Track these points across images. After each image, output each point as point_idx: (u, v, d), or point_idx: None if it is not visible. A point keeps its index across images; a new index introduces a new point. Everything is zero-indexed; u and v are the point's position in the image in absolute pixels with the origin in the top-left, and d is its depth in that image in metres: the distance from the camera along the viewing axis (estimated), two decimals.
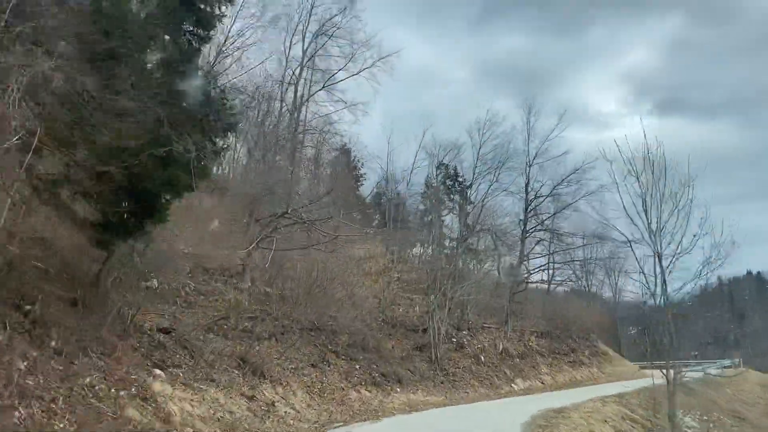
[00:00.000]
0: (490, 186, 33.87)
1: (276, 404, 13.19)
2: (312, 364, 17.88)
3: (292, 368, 16.49)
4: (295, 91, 33.10)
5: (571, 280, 38.51)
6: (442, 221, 34.16)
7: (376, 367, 20.91)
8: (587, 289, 49.80)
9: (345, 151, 45.15)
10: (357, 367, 20.04)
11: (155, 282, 17.05)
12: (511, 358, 28.62)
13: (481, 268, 32.69)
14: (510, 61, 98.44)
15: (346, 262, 25.37)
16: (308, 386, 16.03)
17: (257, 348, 15.79)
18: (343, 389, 17.52)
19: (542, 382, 28.11)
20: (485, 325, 31.18)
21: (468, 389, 24.05)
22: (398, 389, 20.42)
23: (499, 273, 35.40)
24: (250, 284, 19.54)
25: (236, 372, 13.61)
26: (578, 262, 32.11)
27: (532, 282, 34.25)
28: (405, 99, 72.29)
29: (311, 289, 19.98)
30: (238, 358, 14.40)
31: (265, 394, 13.29)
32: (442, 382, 23.62)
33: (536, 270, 33.57)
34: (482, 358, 27.15)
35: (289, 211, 17.89)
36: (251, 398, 12.65)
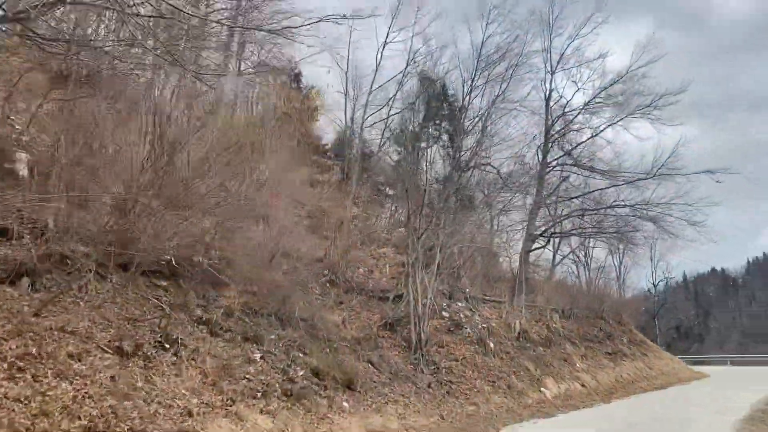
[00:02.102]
0: (494, 101, 23.26)
1: None
2: (117, 345, 7.00)
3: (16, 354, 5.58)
4: None
5: (589, 233, 27.28)
6: (425, 153, 23.41)
7: (302, 357, 10.19)
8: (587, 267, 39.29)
9: (295, 78, 33.83)
10: (257, 356, 9.29)
11: None
12: (533, 345, 18.19)
13: (477, 216, 22.16)
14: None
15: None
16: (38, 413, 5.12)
17: None
18: (192, 414, 6.66)
19: (582, 384, 17.77)
20: (487, 297, 20.72)
21: (475, 398, 13.49)
22: (346, 403, 9.71)
23: (493, 226, 24.82)
24: None
25: None
26: (635, 207, 21.30)
27: (560, 233, 23.75)
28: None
29: (161, 168, 8.96)
30: None
31: None
32: (429, 386, 13.01)
33: (563, 218, 23.11)
34: (491, 344, 16.66)
35: None
36: None
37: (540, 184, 22.70)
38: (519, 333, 17.96)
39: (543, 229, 22.89)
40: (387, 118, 24.29)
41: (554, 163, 23.07)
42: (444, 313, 17.23)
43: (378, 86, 24.28)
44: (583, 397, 16.39)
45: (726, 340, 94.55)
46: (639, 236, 22.08)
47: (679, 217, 20.53)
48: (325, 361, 10.50)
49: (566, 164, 23.03)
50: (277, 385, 8.69)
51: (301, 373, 9.60)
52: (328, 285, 15.85)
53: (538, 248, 23.30)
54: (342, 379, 10.25)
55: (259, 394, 8.06)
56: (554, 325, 20.45)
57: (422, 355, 14.14)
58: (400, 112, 24.73)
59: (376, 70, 24.63)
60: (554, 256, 31.43)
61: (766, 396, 15.30)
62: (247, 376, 8.41)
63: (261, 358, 9.32)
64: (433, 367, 14.09)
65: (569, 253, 32.35)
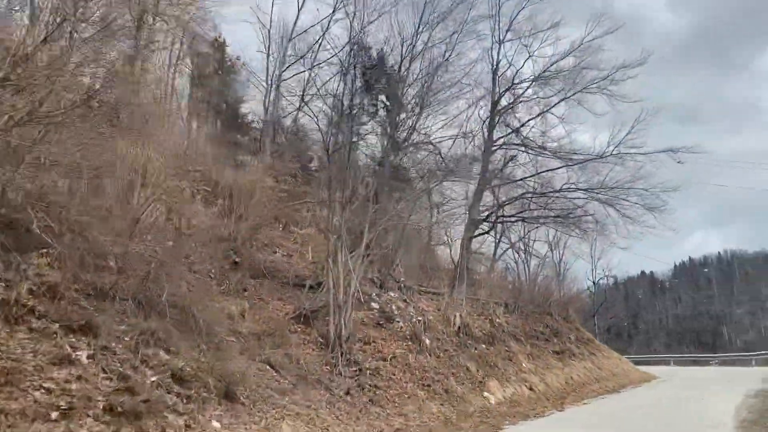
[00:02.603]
0: (437, 69, 20.77)
1: None
2: None
3: None
4: None
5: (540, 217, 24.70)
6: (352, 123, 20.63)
7: (160, 356, 7.23)
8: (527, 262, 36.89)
9: (218, 46, 30.31)
10: (82, 355, 6.31)
11: None
12: (474, 341, 15.79)
13: (414, 195, 19.64)
14: None
15: None
16: None
17: None
18: None
19: (530, 387, 15.52)
20: (424, 287, 18.25)
21: (406, 407, 10.88)
22: (217, 422, 6.83)
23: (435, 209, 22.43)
24: None
25: None
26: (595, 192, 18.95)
27: (508, 217, 21.37)
28: None
29: None
30: None
31: None
32: (348, 393, 10.29)
33: (508, 202, 20.75)
34: (426, 340, 14.13)
35: None
36: None
37: (484, 165, 20.39)
38: (459, 327, 15.53)
39: (487, 213, 20.61)
40: (311, 67, 21.32)
41: (500, 141, 20.84)
42: (373, 303, 14.59)
43: (299, 34, 21.28)
44: (532, 403, 14.08)
45: (653, 341, 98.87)
46: (591, 220, 20.03)
47: (636, 202, 18.71)
48: (197, 361, 7.59)
49: (513, 143, 20.85)
50: (101, 398, 5.73)
51: (153, 378, 6.66)
52: (230, 268, 12.91)
53: (482, 234, 21.02)
54: (218, 387, 7.36)
55: (54, 414, 5.07)
56: (498, 320, 18.18)
57: (342, 353, 11.44)
58: (323, 63, 21.72)
59: (298, 15, 21.73)
60: (495, 250, 29.45)
61: (741, 401, 13.48)
62: (45, 385, 5.40)
63: (89, 357, 6.33)
64: (354, 369, 11.39)
65: (510, 247, 30.54)
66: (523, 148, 20.47)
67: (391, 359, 12.56)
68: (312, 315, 12.51)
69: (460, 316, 15.66)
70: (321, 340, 11.91)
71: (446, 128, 22.72)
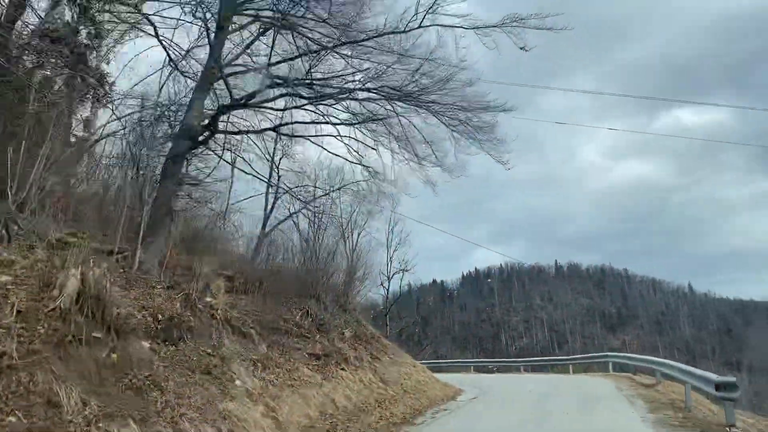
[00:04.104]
0: None
1: None
2: None
3: None
4: None
5: None
6: None
7: None
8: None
9: None
10: None
11: None
12: (121, 335, 6.94)
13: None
14: None
15: None
16: None
17: None
18: None
19: None
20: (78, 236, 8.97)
21: None
22: None
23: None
24: None
25: None
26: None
27: (238, 110, 12.28)
28: None
29: None
30: None
31: None
32: None
33: (253, 103, 11.80)
34: None
35: None
36: None
37: (217, 43, 11.86)
38: (73, 303, 6.60)
39: (212, 114, 11.98)
40: None
41: (244, 8, 12.39)
42: None
43: None
44: None
45: (441, 346, 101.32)
46: (395, 123, 12.39)
47: (455, 117, 11.64)
48: None
49: (264, 15, 12.47)
50: None
51: None
52: None
53: (194, 149, 12.16)
54: None
55: None
56: (209, 299, 9.65)
57: None
58: None
59: None
60: (267, 216, 20.96)
61: None
62: None
63: None
64: None
65: (287, 218, 22.29)
66: (279, 17, 12.23)
67: None
68: None
69: (81, 277, 6.75)
70: None
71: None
